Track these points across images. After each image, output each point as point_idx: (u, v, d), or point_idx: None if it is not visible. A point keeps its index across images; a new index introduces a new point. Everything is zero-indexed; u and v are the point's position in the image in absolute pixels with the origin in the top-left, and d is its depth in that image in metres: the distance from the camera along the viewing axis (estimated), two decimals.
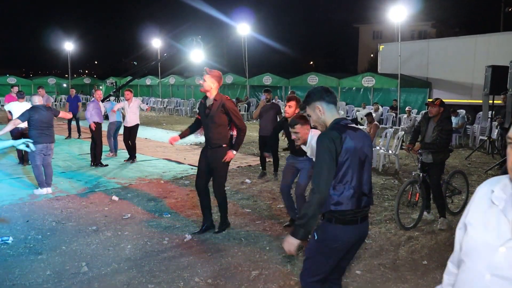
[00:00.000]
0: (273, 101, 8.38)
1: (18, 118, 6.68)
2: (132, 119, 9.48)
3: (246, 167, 9.08)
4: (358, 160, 2.54)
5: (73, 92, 13.52)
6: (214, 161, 4.90)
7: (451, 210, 5.94)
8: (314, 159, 3.04)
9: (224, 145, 4.93)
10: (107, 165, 9.04)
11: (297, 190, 5.04)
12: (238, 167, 9.03)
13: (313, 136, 4.12)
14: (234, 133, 5.16)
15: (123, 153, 10.43)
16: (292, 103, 5.53)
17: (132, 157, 9.54)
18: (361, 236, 2.73)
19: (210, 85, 4.80)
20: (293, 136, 4.06)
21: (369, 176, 2.65)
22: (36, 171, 6.75)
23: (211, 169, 5.00)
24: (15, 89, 11.03)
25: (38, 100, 7.03)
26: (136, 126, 9.57)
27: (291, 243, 2.52)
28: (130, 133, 9.51)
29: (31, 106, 7.10)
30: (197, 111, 5.26)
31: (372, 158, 2.61)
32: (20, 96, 9.22)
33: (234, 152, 4.96)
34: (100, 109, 9.38)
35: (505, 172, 1.33)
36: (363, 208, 2.61)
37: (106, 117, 10.22)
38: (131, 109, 9.52)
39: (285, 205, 5.37)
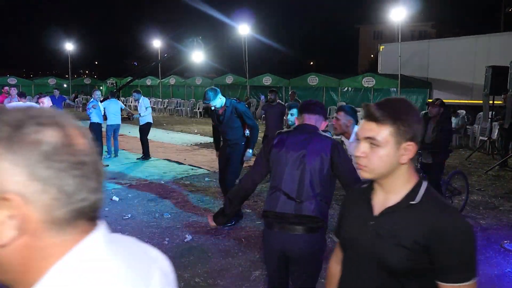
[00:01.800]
0: (279, 101, 8.48)
1: None
2: (141, 118, 9.72)
3: (246, 168, 9.08)
4: (288, 162, 2.52)
5: (57, 92, 13.49)
6: (230, 155, 5.24)
7: None
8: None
9: (242, 143, 5.35)
10: (107, 165, 9.04)
11: None
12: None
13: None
14: (247, 131, 5.46)
15: (124, 154, 10.45)
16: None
17: (145, 155, 9.74)
18: (285, 249, 2.48)
19: (219, 102, 5.14)
20: (333, 121, 3.99)
21: (299, 177, 2.48)
22: None
23: (228, 163, 5.34)
24: (6, 89, 11.05)
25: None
26: (146, 125, 9.75)
27: None
28: (141, 132, 9.75)
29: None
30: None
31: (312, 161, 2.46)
32: (22, 96, 9.27)
33: (251, 151, 5.37)
34: (100, 109, 9.40)
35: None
36: (285, 214, 2.44)
37: (105, 117, 10.22)
38: (140, 109, 9.75)
39: None
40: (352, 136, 3.69)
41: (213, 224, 2.81)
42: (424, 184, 1.38)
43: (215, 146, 6.06)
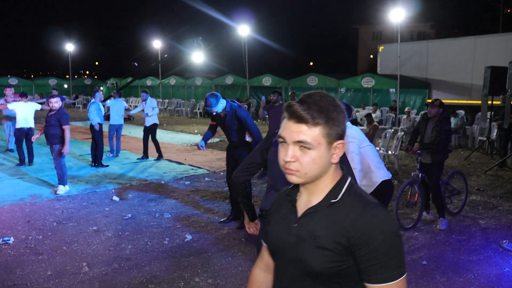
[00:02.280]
0: (281, 102, 8.53)
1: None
2: (148, 119, 9.77)
3: None
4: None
5: (55, 93, 13.50)
6: (238, 155, 5.27)
7: (450, 211, 5.96)
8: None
9: (247, 143, 5.40)
10: (107, 165, 9.06)
11: None
12: None
13: (351, 135, 3.86)
14: (249, 139, 5.44)
15: (124, 154, 10.47)
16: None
17: (159, 156, 9.85)
18: None
19: (220, 107, 5.20)
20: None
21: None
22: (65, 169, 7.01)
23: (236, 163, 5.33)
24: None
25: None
26: (153, 126, 9.83)
27: None
28: (148, 133, 9.80)
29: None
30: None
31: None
32: (23, 96, 9.30)
33: None
34: (101, 110, 9.43)
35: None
36: None
37: (107, 117, 10.25)
38: (146, 110, 9.82)
39: None
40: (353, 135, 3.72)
41: (252, 226, 2.88)
42: (348, 180, 1.30)
43: (204, 137, 5.85)
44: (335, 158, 1.27)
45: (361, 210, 1.22)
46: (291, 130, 1.24)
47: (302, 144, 1.22)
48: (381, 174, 3.94)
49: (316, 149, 1.22)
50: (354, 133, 3.80)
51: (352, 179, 1.33)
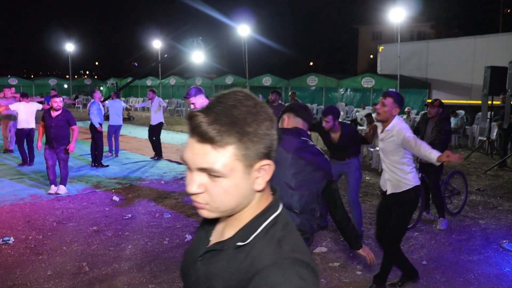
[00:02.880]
0: (280, 102, 8.53)
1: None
2: (154, 118, 9.79)
3: None
4: (284, 166, 2.50)
5: (54, 93, 13.46)
6: None
7: (450, 211, 5.96)
8: (392, 148, 3.52)
9: None
10: (107, 165, 9.07)
11: (352, 196, 5.04)
12: None
13: (399, 123, 3.62)
14: None
15: (124, 154, 10.47)
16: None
17: (158, 155, 9.84)
18: None
19: (199, 102, 4.77)
20: (379, 106, 3.67)
21: (288, 184, 2.44)
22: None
23: None
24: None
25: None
26: (159, 125, 9.85)
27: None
28: (154, 132, 9.82)
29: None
30: None
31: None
32: (25, 96, 9.31)
33: None
34: (101, 109, 9.45)
35: None
36: None
37: (106, 117, 10.26)
38: (153, 109, 9.83)
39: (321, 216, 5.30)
40: (391, 124, 3.58)
41: None
42: (273, 214, 0.98)
43: None
44: (260, 184, 0.94)
45: (270, 265, 0.89)
46: (193, 152, 0.91)
47: (209, 172, 0.90)
48: (414, 179, 3.63)
49: (229, 177, 0.90)
50: (404, 124, 3.62)
51: (283, 210, 1.01)
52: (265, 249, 0.92)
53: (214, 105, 0.91)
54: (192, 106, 4.84)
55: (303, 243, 0.98)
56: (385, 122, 3.63)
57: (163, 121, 10.03)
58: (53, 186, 6.80)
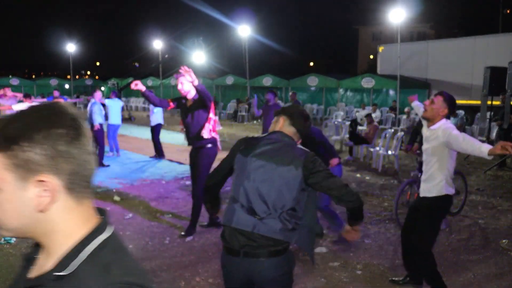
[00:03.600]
0: (277, 102, 8.54)
1: None
2: (153, 119, 9.87)
3: None
4: (250, 173, 2.21)
5: (57, 94, 13.44)
6: (197, 161, 4.84)
7: (449, 210, 5.97)
8: (431, 149, 3.37)
9: (208, 145, 4.85)
10: (108, 165, 9.10)
11: (322, 204, 4.73)
12: None
13: (446, 123, 3.43)
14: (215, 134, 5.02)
15: (125, 154, 10.50)
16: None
17: (159, 154, 9.94)
18: (247, 275, 2.16)
19: (189, 87, 4.73)
20: (427, 102, 3.50)
21: (265, 190, 2.16)
22: None
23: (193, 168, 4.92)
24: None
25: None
26: (157, 126, 9.90)
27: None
28: (153, 132, 9.92)
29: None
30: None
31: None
32: (27, 97, 9.35)
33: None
34: (101, 109, 9.49)
35: None
36: (244, 234, 2.13)
37: (105, 117, 10.31)
38: (152, 109, 9.92)
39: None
40: (437, 124, 3.39)
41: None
42: (99, 237, 0.85)
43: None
44: (42, 204, 0.81)
45: None
46: None
47: None
48: (449, 187, 3.48)
49: (2, 190, 0.80)
50: (452, 125, 3.42)
51: (115, 233, 0.88)
52: (91, 276, 0.80)
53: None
54: (179, 86, 4.72)
55: (138, 266, 0.87)
56: (431, 121, 3.45)
57: (162, 122, 10.04)
58: None
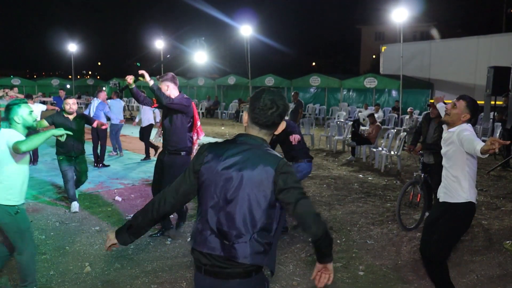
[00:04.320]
0: None
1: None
2: (144, 119, 9.77)
3: None
4: (217, 188, 1.92)
5: (62, 93, 13.41)
6: (169, 168, 4.65)
7: (469, 220, 5.93)
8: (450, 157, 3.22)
9: (182, 153, 4.69)
10: (109, 165, 9.09)
11: None
12: None
13: (465, 126, 3.29)
14: (196, 137, 4.92)
15: (126, 154, 10.50)
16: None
17: (146, 156, 9.84)
18: None
19: (169, 92, 4.65)
20: (449, 106, 3.32)
21: (230, 208, 1.88)
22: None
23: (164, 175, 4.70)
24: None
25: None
26: (149, 126, 9.81)
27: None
28: (143, 133, 9.81)
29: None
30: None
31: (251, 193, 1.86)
32: (29, 98, 9.36)
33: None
34: (106, 109, 9.53)
35: None
36: (213, 257, 1.90)
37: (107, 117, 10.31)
38: (143, 110, 9.78)
39: None
40: (456, 127, 3.24)
41: (112, 242, 2.09)
42: None
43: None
44: None
45: None
46: None
47: None
48: (470, 194, 3.34)
49: None
50: (472, 129, 3.28)
51: None
52: None
53: None
54: (164, 88, 4.61)
55: None
56: (451, 125, 3.32)
57: (153, 122, 9.93)
58: (74, 203, 5.92)
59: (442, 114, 4.12)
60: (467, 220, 3.44)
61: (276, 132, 2.04)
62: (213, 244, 1.90)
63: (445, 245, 3.40)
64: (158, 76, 4.81)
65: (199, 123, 4.98)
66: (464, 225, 3.45)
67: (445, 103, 4.27)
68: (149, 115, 9.77)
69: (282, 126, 2.05)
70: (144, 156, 9.92)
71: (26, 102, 3.50)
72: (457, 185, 3.31)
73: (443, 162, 3.46)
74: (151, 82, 4.41)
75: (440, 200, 3.49)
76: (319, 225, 1.88)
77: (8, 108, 3.43)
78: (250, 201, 1.86)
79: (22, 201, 3.44)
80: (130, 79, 4.62)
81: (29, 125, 3.46)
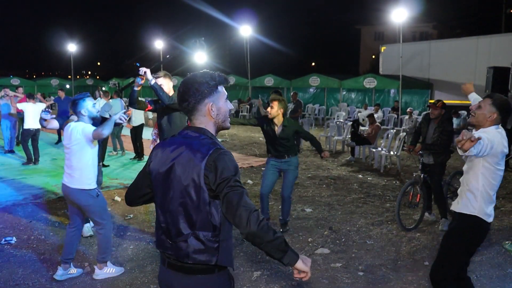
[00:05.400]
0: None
1: None
2: (136, 119, 9.76)
3: (248, 168, 9.10)
4: (159, 186, 1.88)
5: (62, 93, 13.38)
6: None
7: (452, 211, 5.94)
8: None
9: None
10: (108, 165, 9.09)
11: (287, 193, 5.14)
12: (240, 167, 9.04)
13: (492, 130, 2.87)
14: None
15: (126, 154, 10.48)
16: (275, 103, 4.97)
17: (139, 156, 9.80)
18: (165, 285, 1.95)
19: (169, 87, 4.58)
20: (474, 107, 2.98)
21: (170, 206, 1.82)
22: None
23: None
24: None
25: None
26: (141, 126, 9.82)
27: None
28: (136, 133, 9.81)
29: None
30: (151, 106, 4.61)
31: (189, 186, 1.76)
32: (30, 97, 9.37)
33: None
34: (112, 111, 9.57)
35: None
36: (166, 252, 1.89)
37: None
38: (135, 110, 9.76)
39: (263, 209, 5.27)
40: (482, 130, 2.84)
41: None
42: None
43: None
44: None
45: None
46: None
47: None
48: (482, 208, 2.90)
49: None
50: (497, 134, 2.83)
51: None
52: None
53: None
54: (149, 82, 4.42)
55: None
56: (477, 127, 2.91)
57: (144, 122, 9.96)
58: (87, 225, 5.00)
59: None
60: (470, 237, 2.94)
61: None
62: (165, 243, 1.87)
63: (442, 262, 3.00)
64: (153, 74, 4.70)
65: None
66: (465, 241, 2.96)
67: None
68: (141, 114, 9.80)
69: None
70: (134, 155, 9.87)
71: (90, 96, 3.92)
72: (469, 194, 2.92)
73: (463, 167, 3.07)
74: (153, 81, 4.37)
75: (450, 208, 3.16)
76: (249, 221, 1.68)
77: (75, 103, 3.82)
78: (184, 198, 1.77)
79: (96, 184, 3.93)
80: (142, 81, 4.42)
81: (94, 116, 3.90)
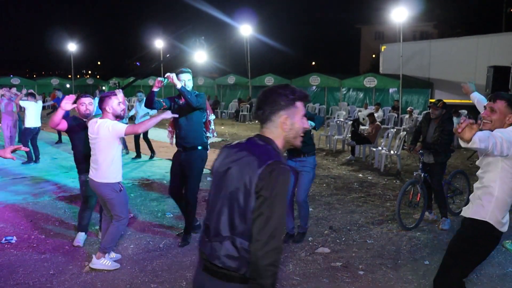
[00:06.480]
0: None
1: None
2: (141, 118, 9.81)
3: None
4: (213, 185, 1.91)
5: (59, 93, 13.31)
6: (189, 164, 4.67)
7: (452, 210, 5.95)
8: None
9: (199, 147, 4.71)
10: None
11: (302, 197, 4.73)
12: None
13: (501, 130, 2.66)
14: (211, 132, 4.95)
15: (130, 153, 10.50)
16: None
17: (139, 155, 9.90)
18: None
19: (190, 82, 4.59)
20: (486, 113, 2.76)
21: (218, 207, 1.81)
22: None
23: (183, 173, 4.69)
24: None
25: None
26: None
27: None
28: (143, 132, 9.82)
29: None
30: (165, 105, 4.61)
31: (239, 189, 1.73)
32: (31, 96, 9.40)
33: None
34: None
35: None
36: (202, 250, 1.86)
37: None
38: (142, 109, 9.84)
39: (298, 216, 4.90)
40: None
41: None
42: None
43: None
44: None
45: None
46: None
47: None
48: (495, 213, 2.68)
49: None
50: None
51: None
52: None
53: None
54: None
55: None
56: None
57: None
58: (82, 234, 4.75)
59: (479, 107, 3.50)
60: (478, 243, 2.72)
61: None
62: (203, 239, 1.87)
63: (449, 269, 2.79)
64: (178, 71, 4.62)
65: (212, 117, 5.01)
66: (474, 249, 2.73)
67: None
68: (146, 114, 9.83)
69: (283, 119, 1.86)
70: (151, 154, 9.99)
71: (116, 95, 4.02)
72: (483, 198, 2.71)
73: (477, 172, 2.90)
74: (179, 85, 4.37)
75: (461, 214, 2.94)
76: (267, 253, 1.64)
77: (101, 100, 3.98)
78: (232, 200, 1.75)
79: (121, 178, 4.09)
80: (160, 83, 4.40)
81: (118, 114, 4.01)
